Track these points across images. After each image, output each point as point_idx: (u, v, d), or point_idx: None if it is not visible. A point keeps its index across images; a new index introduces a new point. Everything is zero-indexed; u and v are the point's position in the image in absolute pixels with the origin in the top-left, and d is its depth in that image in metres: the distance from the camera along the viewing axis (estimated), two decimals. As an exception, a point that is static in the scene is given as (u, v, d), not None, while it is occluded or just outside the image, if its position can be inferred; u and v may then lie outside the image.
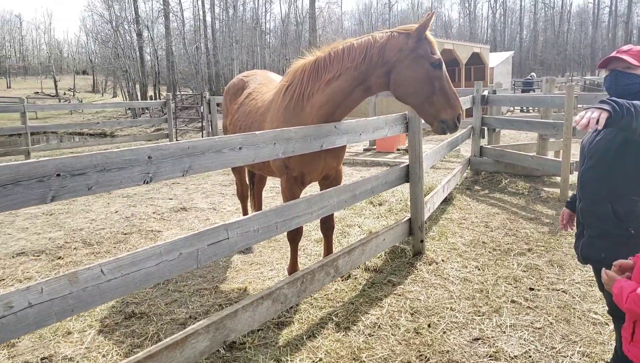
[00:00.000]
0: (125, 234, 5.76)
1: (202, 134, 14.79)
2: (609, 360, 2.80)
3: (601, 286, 2.42)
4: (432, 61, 3.09)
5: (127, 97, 30.41)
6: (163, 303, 3.91)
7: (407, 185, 4.60)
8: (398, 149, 11.41)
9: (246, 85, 4.45)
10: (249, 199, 5.29)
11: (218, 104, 13.45)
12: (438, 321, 3.48)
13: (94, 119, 27.66)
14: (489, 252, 4.82)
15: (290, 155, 3.05)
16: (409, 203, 6.14)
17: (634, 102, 2.04)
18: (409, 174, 4.41)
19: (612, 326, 3.29)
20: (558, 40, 71.81)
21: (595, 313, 3.51)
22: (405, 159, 10.24)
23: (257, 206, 5.41)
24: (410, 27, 3.20)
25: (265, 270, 4.55)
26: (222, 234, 2.61)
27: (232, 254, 3.30)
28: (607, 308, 2.55)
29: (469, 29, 74.93)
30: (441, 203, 6.01)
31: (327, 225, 4.10)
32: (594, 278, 3.05)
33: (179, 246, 2.40)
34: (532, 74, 27.60)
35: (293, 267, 4.00)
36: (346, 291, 3.99)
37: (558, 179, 6.87)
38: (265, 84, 4.30)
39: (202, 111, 14.64)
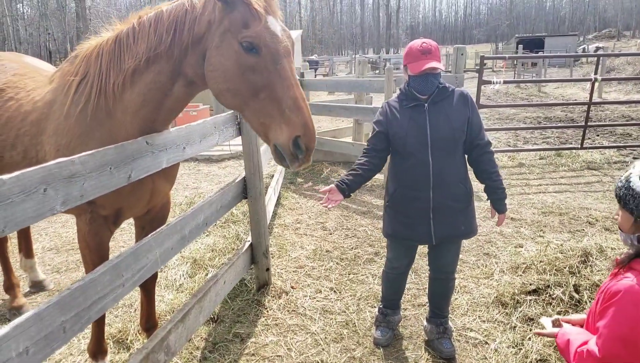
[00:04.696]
0: None
1: None
2: None
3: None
4: (240, 39, 1.85)
5: None
6: None
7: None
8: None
9: None
10: (7, 241, 3.58)
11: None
12: (313, 387, 2.68)
13: None
14: (337, 264, 4.23)
15: (77, 204, 1.77)
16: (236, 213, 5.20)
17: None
18: (247, 189, 3.43)
19: (491, 345, 2.98)
20: (333, 20, 78.37)
21: (471, 330, 3.18)
22: (217, 151, 9.15)
23: (25, 248, 3.73)
24: None
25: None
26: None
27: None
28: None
29: (252, 8, 75.68)
30: (272, 207, 5.20)
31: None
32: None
33: None
34: (315, 55, 29.16)
35: (98, 346, 2.69)
36: (180, 366, 2.87)
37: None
38: (26, 75, 2.67)
39: None
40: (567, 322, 1.78)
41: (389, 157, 2.88)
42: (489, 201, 2.83)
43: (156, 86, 2.06)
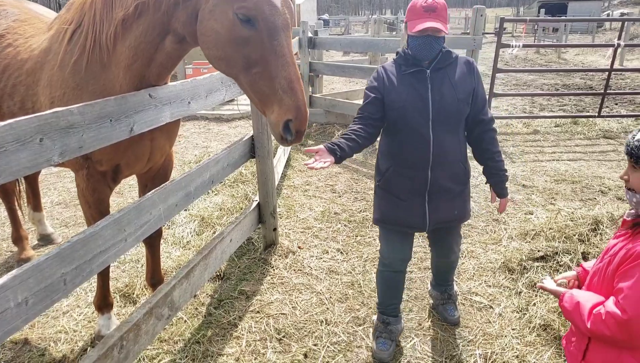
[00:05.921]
0: None
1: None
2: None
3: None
4: (236, 9, 1.68)
5: None
6: None
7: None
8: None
9: None
10: (16, 195, 3.60)
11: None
12: (315, 345, 2.69)
13: None
14: (345, 226, 4.21)
15: (75, 155, 1.74)
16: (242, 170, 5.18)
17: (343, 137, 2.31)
18: (255, 149, 3.38)
19: (495, 309, 2.97)
20: (350, -23, 75.95)
21: (476, 295, 3.16)
22: (228, 110, 9.05)
23: (34, 201, 3.76)
24: None
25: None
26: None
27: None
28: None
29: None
30: (280, 168, 5.16)
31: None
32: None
33: None
34: (326, 14, 28.44)
35: (104, 300, 2.73)
36: (185, 321, 2.90)
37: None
38: (26, 21, 2.60)
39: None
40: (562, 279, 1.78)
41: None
42: (487, 184, 2.59)
43: (146, 39, 1.95)
